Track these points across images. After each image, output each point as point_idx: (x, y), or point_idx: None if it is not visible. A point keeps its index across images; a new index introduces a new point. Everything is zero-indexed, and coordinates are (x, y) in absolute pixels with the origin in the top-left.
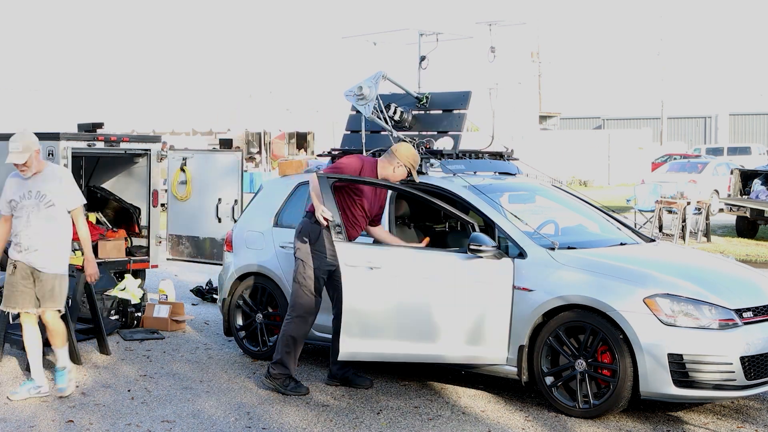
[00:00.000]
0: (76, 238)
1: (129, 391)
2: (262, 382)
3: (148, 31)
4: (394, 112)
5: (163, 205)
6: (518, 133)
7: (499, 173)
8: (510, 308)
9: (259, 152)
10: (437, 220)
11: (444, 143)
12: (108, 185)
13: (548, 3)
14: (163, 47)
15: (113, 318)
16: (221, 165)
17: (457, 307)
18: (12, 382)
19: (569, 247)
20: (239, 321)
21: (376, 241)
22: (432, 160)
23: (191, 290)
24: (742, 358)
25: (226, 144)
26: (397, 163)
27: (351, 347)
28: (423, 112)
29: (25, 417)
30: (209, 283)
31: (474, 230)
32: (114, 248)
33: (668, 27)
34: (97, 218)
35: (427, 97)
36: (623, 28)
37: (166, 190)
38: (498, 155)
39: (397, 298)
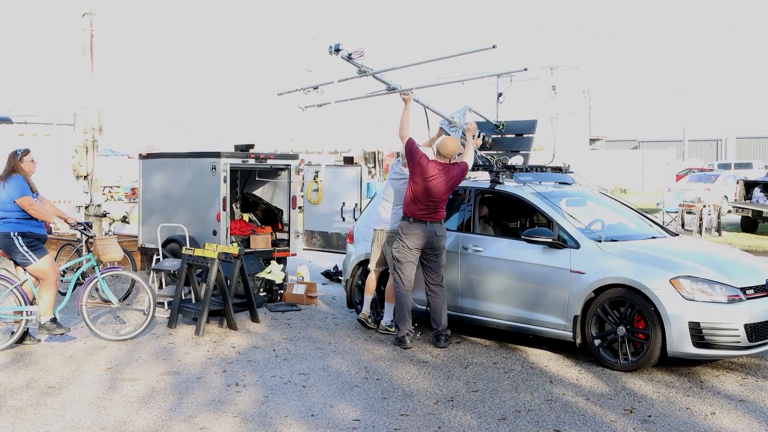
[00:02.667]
0: (233, 233)
1: (274, 350)
2: (443, 346)
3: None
4: (479, 136)
5: (300, 207)
6: (573, 152)
7: (559, 183)
8: (567, 287)
9: (374, 167)
10: (510, 219)
11: (516, 160)
12: (258, 192)
13: (598, 51)
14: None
15: (262, 294)
16: (345, 177)
17: (532, 284)
18: (183, 344)
19: (612, 240)
20: (358, 297)
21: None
22: (508, 173)
23: (322, 273)
24: (746, 325)
25: (348, 160)
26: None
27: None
28: (500, 136)
29: (194, 371)
30: (336, 267)
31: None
32: (262, 241)
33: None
34: (249, 218)
35: (503, 124)
36: (653, 70)
37: (302, 196)
38: (558, 169)
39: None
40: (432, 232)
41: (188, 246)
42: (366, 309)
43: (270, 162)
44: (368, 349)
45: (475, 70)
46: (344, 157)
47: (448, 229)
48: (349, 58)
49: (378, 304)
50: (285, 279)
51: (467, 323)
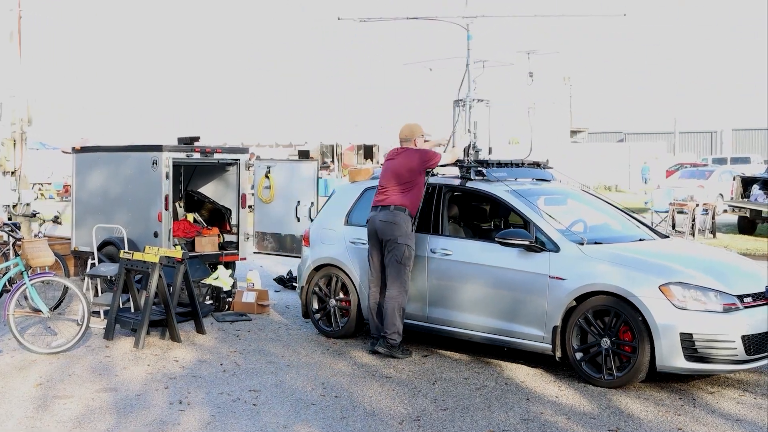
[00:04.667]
0: (176, 235)
1: (221, 364)
2: (378, 351)
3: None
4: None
5: (250, 206)
6: (552, 145)
7: (536, 180)
8: (546, 294)
9: (332, 161)
10: (483, 219)
11: (465, 140)
12: (204, 190)
13: (578, 34)
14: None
15: (208, 303)
16: (300, 173)
17: (506, 291)
18: (122, 358)
19: (596, 243)
20: (315, 305)
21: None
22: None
23: (274, 279)
24: (743, 337)
25: (303, 154)
26: (413, 141)
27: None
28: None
29: (134, 388)
30: (290, 273)
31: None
32: (209, 243)
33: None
34: (194, 218)
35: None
36: (642, 54)
37: (253, 194)
38: (535, 164)
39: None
40: (375, 220)
41: (127, 249)
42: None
43: (217, 156)
44: (326, 364)
45: (446, 55)
46: (299, 151)
47: (415, 231)
48: None
49: (337, 314)
50: (234, 286)
51: (436, 335)
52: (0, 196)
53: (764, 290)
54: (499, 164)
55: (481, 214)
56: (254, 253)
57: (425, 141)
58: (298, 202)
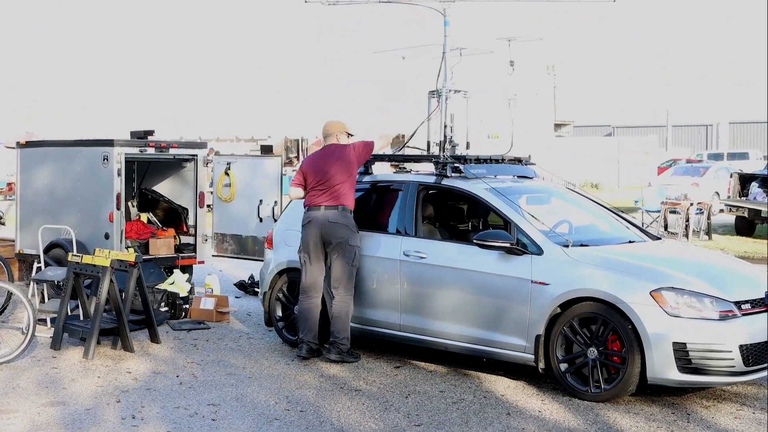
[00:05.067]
0: (128, 236)
1: (177, 376)
2: (331, 358)
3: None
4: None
5: (209, 206)
6: (535, 140)
7: (518, 177)
8: (528, 300)
9: (297, 157)
10: (460, 220)
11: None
12: (158, 188)
13: (563, 20)
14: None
15: (163, 310)
16: (262, 169)
17: (485, 297)
18: (70, 369)
19: (582, 245)
20: (279, 312)
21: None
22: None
23: (235, 284)
24: (741, 347)
25: (266, 150)
26: (336, 135)
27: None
28: None
29: (83, 402)
30: (251, 277)
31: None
32: (164, 246)
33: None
34: (148, 218)
35: None
36: (632, 43)
37: (211, 192)
38: (517, 160)
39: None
40: (323, 220)
41: (75, 252)
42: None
43: (173, 151)
44: (290, 376)
45: (419, 42)
46: (262, 146)
47: (387, 232)
48: None
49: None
50: (191, 291)
51: (409, 344)
52: None
53: (764, 296)
54: (478, 160)
55: (458, 214)
56: (213, 256)
57: (348, 136)
58: (261, 201)
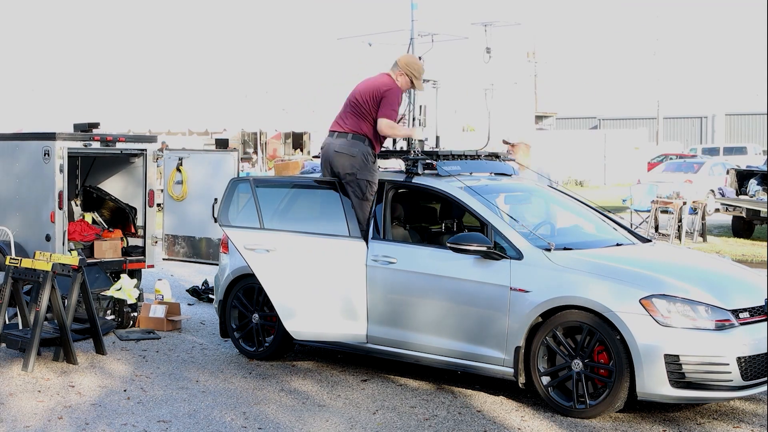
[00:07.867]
0: (72, 238)
1: (125, 391)
2: None
3: (145, 31)
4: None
5: (159, 205)
6: (514, 133)
7: (495, 174)
8: (507, 309)
9: (255, 152)
10: (433, 221)
11: None
12: (104, 185)
13: (544, 3)
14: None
15: (109, 318)
16: (217, 165)
17: (461, 306)
18: (8, 383)
19: (565, 248)
20: (235, 322)
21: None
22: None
23: (187, 290)
24: (738, 359)
25: (222, 144)
26: (399, 71)
27: None
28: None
29: (22, 419)
30: (205, 283)
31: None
32: (110, 248)
33: (665, 27)
34: (93, 218)
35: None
36: (619, 28)
37: (162, 190)
38: (494, 156)
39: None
40: (327, 145)
41: (14, 255)
42: None
43: (120, 146)
44: (248, 390)
45: (387, 27)
46: (217, 140)
47: (350, 236)
48: None
49: (261, 332)
50: (140, 298)
51: (377, 357)
52: None
53: (763, 304)
54: (452, 156)
55: (431, 215)
56: (164, 259)
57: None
58: (216, 199)
